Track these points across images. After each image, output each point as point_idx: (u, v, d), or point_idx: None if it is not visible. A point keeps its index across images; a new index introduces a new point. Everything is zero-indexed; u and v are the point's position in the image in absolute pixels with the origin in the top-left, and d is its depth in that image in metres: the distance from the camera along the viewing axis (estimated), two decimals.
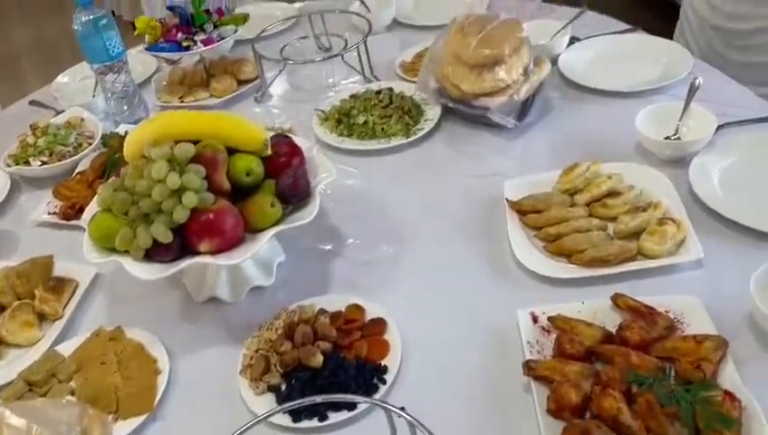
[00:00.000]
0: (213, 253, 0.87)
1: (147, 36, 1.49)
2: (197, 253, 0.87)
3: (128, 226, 0.87)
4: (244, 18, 1.54)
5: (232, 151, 0.93)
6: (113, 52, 1.38)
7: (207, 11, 1.51)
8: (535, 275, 0.95)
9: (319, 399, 0.74)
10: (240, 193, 0.92)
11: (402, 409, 0.63)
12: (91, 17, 1.34)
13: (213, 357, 0.92)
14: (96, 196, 0.93)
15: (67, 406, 0.70)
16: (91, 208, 0.95)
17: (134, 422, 0.81)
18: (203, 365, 0.91)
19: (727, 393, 0.71)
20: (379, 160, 1.27)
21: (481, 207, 1.10)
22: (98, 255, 0.89)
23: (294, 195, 0.92)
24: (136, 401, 0.83)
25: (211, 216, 0.86)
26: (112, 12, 4.26)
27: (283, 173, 0.93)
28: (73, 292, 1.03)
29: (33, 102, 1.65)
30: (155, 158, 0.87)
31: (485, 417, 0.79)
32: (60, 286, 1.02)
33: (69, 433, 0.66)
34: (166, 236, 0.85)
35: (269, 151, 0.95)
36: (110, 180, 0.95)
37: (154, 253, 0.87)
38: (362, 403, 0.80)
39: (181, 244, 0.87)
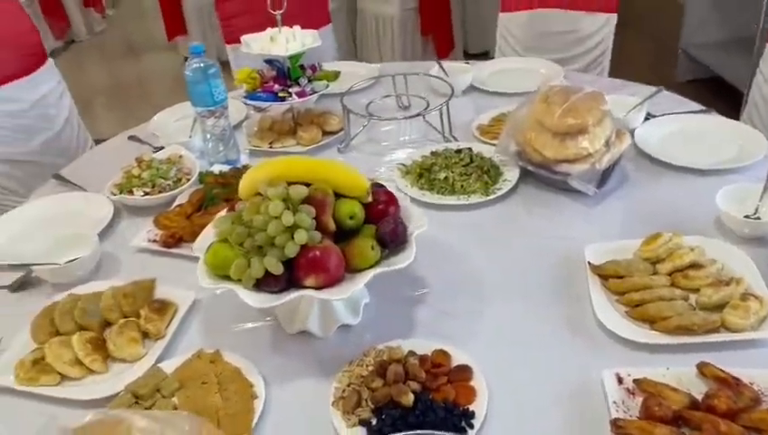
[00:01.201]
0: (317, 288, 0.93)
1: (245, 86, 1.62)
2: (302, 286, 0.94)
3: (242, 256, 0.94)
4: (336, 75, 1.65)
5: (337, 196, 1.01)
6: (217, 98, 1.49)
7: (302, 66, 1.62)
8: (618, 338, 0.98)
9: (417, 432, 0.77)
10: (342, 235, 0.99)
11: None
12: (202, 65, 1.47)
13: (304, 387, 0.97)
14: (212, 226, 1.01)
15: (188, 418, 0.75)
16: (205, 238, 1.03)
17: None
18: (295, 394, 0.96)
19: None
20: (458, 215, 1.33)
21: (560, 269, 1.15)
22: (211, 281, 0.96)
23: (393, 241, 0.99)
24: (235, 423, 0.88)
25: (318, 253, 0.93)
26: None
27: (384, 220, 1.00)
28: (173, 314, 1.10)
29: (131, 138, 1.78)
30: (271, 196, 0.95)
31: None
32: (162, 308, 1.10)
33: None
34: (277, 269, 0.91)
35: (370, 198, 1.02)
36: (225, 214, 1.03)
37: (264, 283, 0.93)
38: None
39: (288, 277, 0.94)
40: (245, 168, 1.48)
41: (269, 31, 1.59)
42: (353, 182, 1.02)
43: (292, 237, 0.93)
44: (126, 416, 0.74)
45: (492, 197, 1.34)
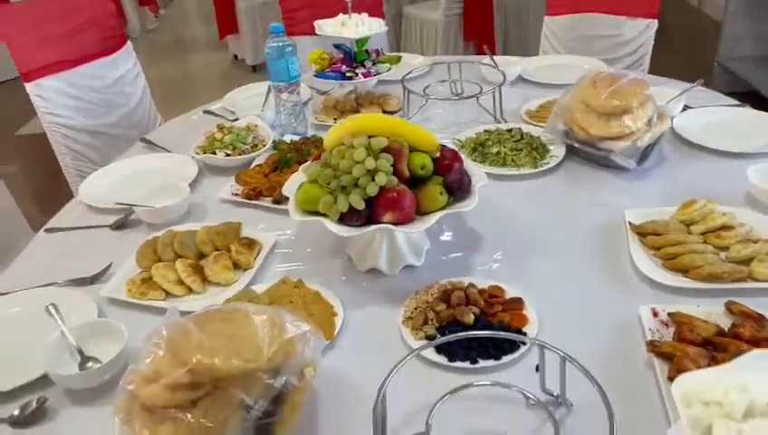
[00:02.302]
0: (393, 224, 1.08)
1: (315, 66, 1.78)
2: (380, 222, 1.08)
3: (329, 194, 1.09)
4: (398, 59, 1.81)
5: (411, 150, 1.15)
6: (293, 74, 1.66)
7: (367, 51, 1.78)
8: (654, 284, 1.10)
9: (476, 333, 0.91)
10: (414, 182, 1.13)
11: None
12: (280, 43, 1.64)
13: (376, 311, 1.11)
14: (301, 171, 1.17)
15: (290, 312, 0.90)
16: (294, 181, 1.19)
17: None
18: (368, 315, 1.10)
19: None
20: (510, 185, 1.47)
21: (602, 229, 1.27)
22: (301, 215, 1.11)
23: (459, 188, 1.13)
24: (319, 332, 1.03)
25: (395, 193, 1.08)
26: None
27: (451, 170, 1.14)
28: (259, 251, 1.26)
29: (206, 111, 1.96)
30: (356, 145, 1.10)
31: (612, 383, 0.92)
32: (250, 244, 1.25)
33: (305, 326, 0.86)
34: (360, 205, 1.06)
35: (438, 154, 1.17)
36: (312, 163, 1.18)
37: (347, 217, 1.08)
38: (507, 354, 0.97)
39: (368, 214, 1.09)
40: (314, 137, 1.65)
41: (340, 16, 1.75)
42: (425, 138, 1.17)
43: (373, 179, 1.08)
44: (241, 306, 0.89)
45: (540, 169, 1.48)
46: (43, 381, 0.98)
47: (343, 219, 1.09)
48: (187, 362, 0.79)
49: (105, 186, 1.55)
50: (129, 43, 2.34)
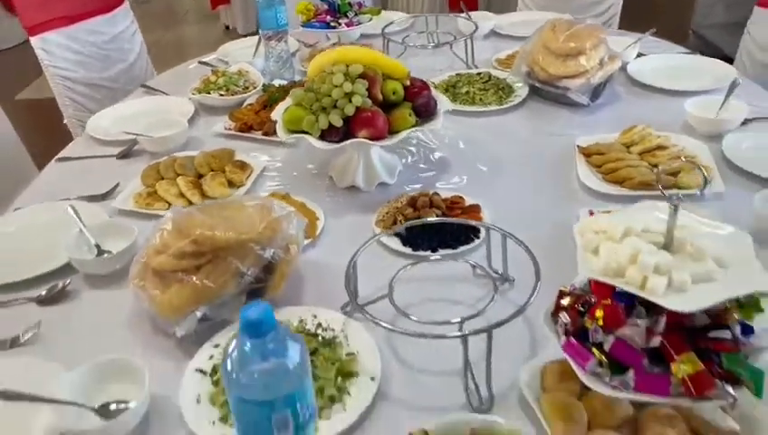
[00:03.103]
0: (368, 139, 1.24)
1: (302, 17, 1.93)
2: (356, 138, 1.24)
3: (312, 114, 1.25)
4: (378, 11, 1.96)
5: (384, 78, 1.31)
6: (281, 22, 1.80)
7: (350, 3, 1.93)
8: (594, 193, 1.27)
9: (433, 220, 1.08)
10: (387, 106, 1.29)
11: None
12: None
13: (353, 218, 1.27)
14: (288, 98, 1.32)
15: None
16: (281, 107, 1.34)
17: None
18: (346, 222, 1.26)
19: None
20: (477, 121, 1.63)
21: (556, 155, 1.44)
22: (287, 134, 1.27)
23: (427, 111, 1.29)
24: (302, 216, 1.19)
25: (369, 114, 1.24)
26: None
27: (419, 96, 1.30)
28: (250, 173, 1.41)
29: (201, 62, 2.10)
30: (335, 71, 1.25)
31: (545, 260, 1.08)
32: (243, 166, 1.41)
33: (289, 208, 1.02)
34: (338, 122, 1.22)
35: (408, 82, 1.32)
36: (297, 89, 1.34)
37: (327, 134, 1.24)
38: (464, 245, 1.13)
39: (345, 131, 1.24)
40: (301, 81, 1.80)
41: None
42: (397, 68, 1.32)
43: (350, 101, 1.23)
44: (235, 198, 1.05)
45: (505, 106, 1.64)
46: (66, 269, 1.14)
47: (324, 136, 1.25)
48: (190, 235, 0.95)
49: (110, 122, 1.70)
50: (126, 2, 2.46)
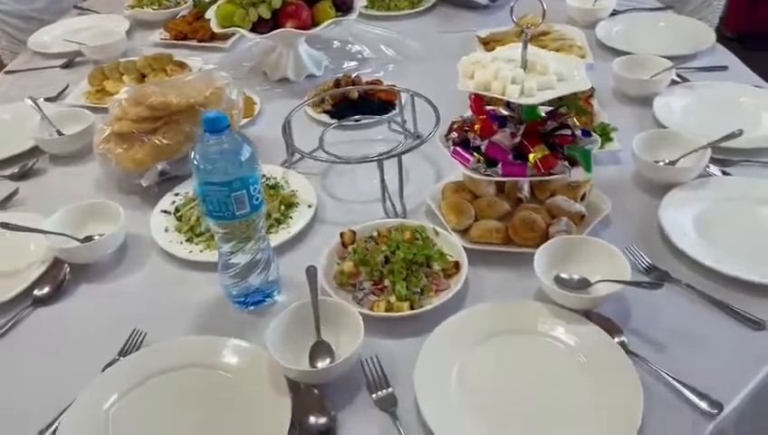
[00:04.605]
0: (295, 29, 1.42)
1: None
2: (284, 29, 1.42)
3: (242, 8, 1.41)
4: None
5: None
6: None
7: None
8: None
9: (355, 90, 1.29)
10: (310, 1, 1.47)
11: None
12: None
13: (285, 102, 1.44)
14: None
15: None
16: (213, 8, 1.49)
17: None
18: (279, 105, 1.44)
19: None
20: (393, 24, 1.82)
21: (460, 45, 1.65)
22: (221, 28, 1.43)
23: (345, 5, 1.48)
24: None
25: (294, 6, 1.42)
26: None
27: None
28: (189, 71, 1.57)
29: None
30: None
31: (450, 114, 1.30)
32: (181, 66, 1.57)
33: (229, 78, 1.20)
34: (267, 14, 1.40)
35: None
36: None
37: (257, 26, 1.41)
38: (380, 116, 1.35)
39: (273, 24, 1.42)
40: None
41: None
42: None
43: None
44: (183, 75, 1.22)
45: (416, 10, 1.85)
46: (33, 152, 1.29)
47: (254, 29, 1.42)
48: (146, 102, 1.13)
49: (50, 38, 1.80)
50: None
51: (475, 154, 0.97)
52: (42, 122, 1.31)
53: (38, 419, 0.79)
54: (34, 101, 1.34)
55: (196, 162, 0.81)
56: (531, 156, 0.93)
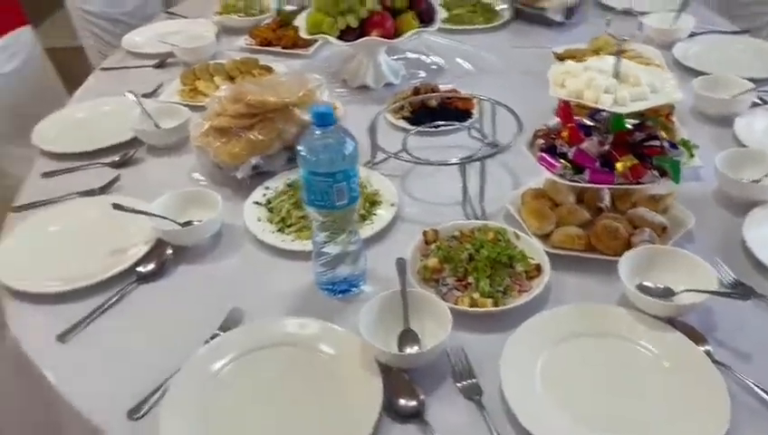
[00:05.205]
0: (380, 37, 1.48)
1: None
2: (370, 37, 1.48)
3: (331, 18, 1.48)
4: None
5: None
6: None
7: None
8: None
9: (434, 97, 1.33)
10: (394, 13, 1.53)
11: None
12: None
13: (366, 108, 1.49)
14: (312, 6, 1.55)
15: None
16: (303, 16, 1.56)
17: None
18: (360, 110, 1.49)
19: None
20: (468, 38, 1.87)
21: (535, 62, 1.68)
22: (309, 35, 1.51)
23: (427, 17, 1.53)
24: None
25: (380, 16, 1.48)
26: None
27: (421, 4, 1.54)
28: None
29: None
30: None
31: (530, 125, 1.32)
32: (268, 70, 1.64)
33: (321, 79, 1.26)
34: (354, 23, 1.46)
35: None
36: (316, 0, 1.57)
37: (344, 34, 1.48)
38: (460, 123, 1.39)
39: (359, 33, 1.48)
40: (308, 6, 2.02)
41: None
42: None
43: (364, 5, 1.47)
44: (277, 75, 1.29)
45: (491, 26, 1.89)
46: (132, 143, 1.38)
47: (341, 37, 1.49)
48: (244, 100, 1.20)
49: (143, 39, 1.91)
50: None
51: (562, 161, 0.99)
52: (141, 115, 1.39)
53: (144, 385, 0.85)
54: (135, 95, 1.43)
55: (303, 153, 0.87)
56: (619, 164, 0.96)
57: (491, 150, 1.16)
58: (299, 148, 0.87)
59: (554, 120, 1.10)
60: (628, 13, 1.91)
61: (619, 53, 0.96)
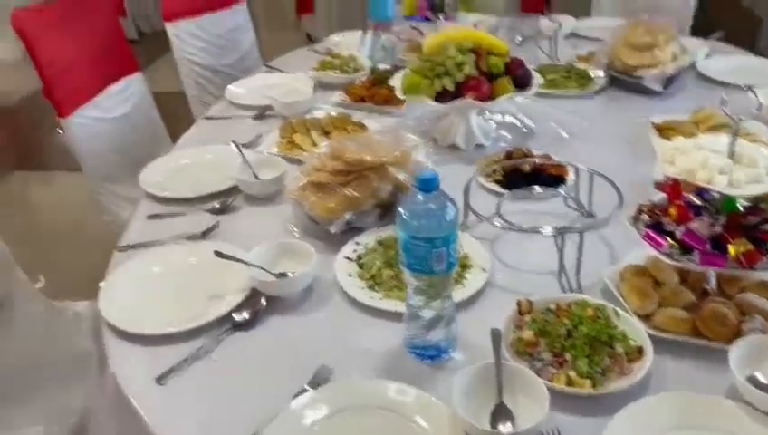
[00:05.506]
0: (476, 100, 1.50)
1: (405, 11, 2.22)
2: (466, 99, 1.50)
3: (428, 80, 1.52)
4: (471, 8, 2.23)
5: (488, 54, 1.57)
6: (389, 14, 2.10)
7: (447, 2, 2.21)
8: None
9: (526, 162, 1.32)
10: (490, 77, 1.55)
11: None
12: None
13: (455, 168, 1.52)
14: (407, 68, 1.59)
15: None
16: (398, 77, 1.61)
17: None
18: (449, 169, 1.49)
19: None
20: (561, 102, 1.86)
21: (631, 130, 1.65)
22: (405, 96, 1.54)
23: (524, 82, 1.54)
24: None
25: (477, 80, 1.50)
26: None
27: (518, 69, 1.55)
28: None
29: (309, 48, 2.43)
30: (449, 46, 1.52)
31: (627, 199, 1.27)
32: (362, 126, 1.69)
33: (417, 139, 1.28)
34: (451, 86, 1.49)
35: (508, 59, 1.58)
36: (415, 59, 1.61)
37: (440, 96, 1.51)
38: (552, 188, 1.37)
39: (455, 95, 1.50)
40: (402, 68, 2.07)
41: None
42: (499, 46, 1.58)
43: (461, 70, 1.50)
44: (374, 132, 1.32)
45: (586, 92, 1.88)
46: (230, 191, 1.44)
47: (436, 99, 1.51)
48: (343, 157, 1.23)
49: (244, 91, 2.02)
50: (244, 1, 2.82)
51: (669, 239, 0.96)
52: (242, 165, 1.45)
53: (236, 433, 0.85)
54: (237, 146, 1.49)
55: (404, 216, 0.88)
56: (731, 248, 0.91)
57: (590, 222, 1.13)
58: (400, 210, 0.88)
59: (658, 195, 1.07)
60: (732, 86, 1.85)
61: (736, 134, 0.93)
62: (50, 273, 1.59)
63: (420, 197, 0.87)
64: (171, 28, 2.55)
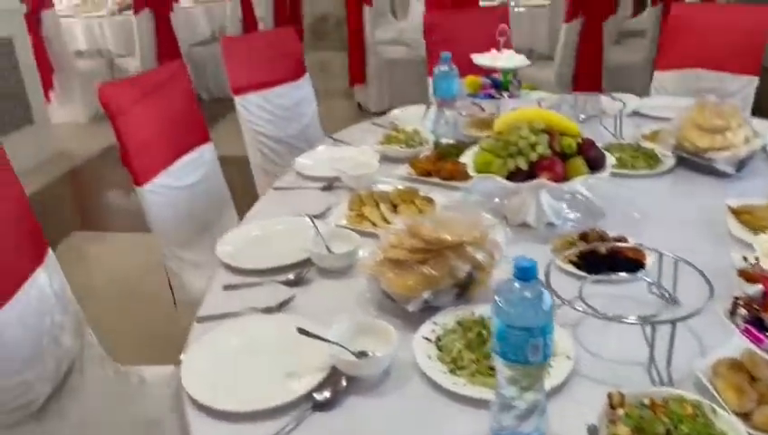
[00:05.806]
0: (550, 181, 1.50)
1: (468, 89, 2.27)
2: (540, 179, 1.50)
3: (501, 159, 1.53)
4: (534, 87, 2.27)
5: (561, 134, 1.58)
6: (454, 92, 2.15)
7: (511, 81, 2.25)
8: (744, 244, 1.44)
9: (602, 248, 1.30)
10: (563, 156, 1.55)
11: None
12: (447, 68, 2.13)
13: (526, 246, 1.50)
14: (478, 145, 1.61)
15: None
16: (469, 154, 1.63)
17: None
18: (521, 248, 1.48)
19: None
20: (629, 182, 1.85)
21: (705, 213, 1.62)
22: (477, 173, 1.55)
23: (597, 163, 1.54)
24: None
25: (551, 161, 1.50)
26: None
27: (591, 150, 1.55)
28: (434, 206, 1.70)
29: (373, 123, 2.49)
30: (522, 126, 1.54)
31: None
32: (429, 201, 1.70)
33: (495, 220, 1.28)
34: (524, 166, 1.49)
35: (580, 139, 1.59)
36: (487, 138, 1.63)
37: (513, 176, 1.51)
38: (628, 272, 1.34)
39: (527, 175, 1.51)
40: (465, 143, 2.10)
41: (493, 52, 2.24)
42: (571, 127, 1.59)
43: (534, 150, 1.51)
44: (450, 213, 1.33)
45: (655, 171, 1.86)
46: (303, 263, 1.45)
47: (509, 178, 1.52)
48: (421, 235, 1.23)
49: (312, 162, 2.07)
50: (307, 73, 2.93)
51: None
52: (315, 238, 1.47)
53: None
54: (312, 219, 1.52)
55: (500, 305, 0.87)
56: None
57: (683, 312, 1.09)
58: (496, 298, 0.87)
59: (746, 286, 1.04)
60: None
61: None
62: (105, 333, 1.63)
63: (517, 285, 0.86)
64: (239, 99, 2.66)
